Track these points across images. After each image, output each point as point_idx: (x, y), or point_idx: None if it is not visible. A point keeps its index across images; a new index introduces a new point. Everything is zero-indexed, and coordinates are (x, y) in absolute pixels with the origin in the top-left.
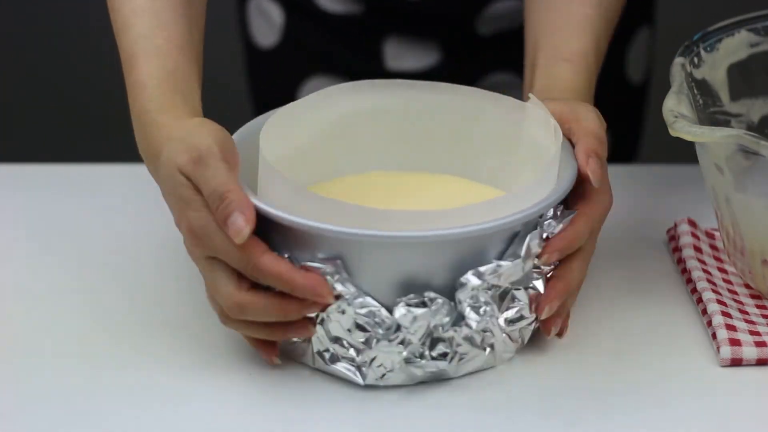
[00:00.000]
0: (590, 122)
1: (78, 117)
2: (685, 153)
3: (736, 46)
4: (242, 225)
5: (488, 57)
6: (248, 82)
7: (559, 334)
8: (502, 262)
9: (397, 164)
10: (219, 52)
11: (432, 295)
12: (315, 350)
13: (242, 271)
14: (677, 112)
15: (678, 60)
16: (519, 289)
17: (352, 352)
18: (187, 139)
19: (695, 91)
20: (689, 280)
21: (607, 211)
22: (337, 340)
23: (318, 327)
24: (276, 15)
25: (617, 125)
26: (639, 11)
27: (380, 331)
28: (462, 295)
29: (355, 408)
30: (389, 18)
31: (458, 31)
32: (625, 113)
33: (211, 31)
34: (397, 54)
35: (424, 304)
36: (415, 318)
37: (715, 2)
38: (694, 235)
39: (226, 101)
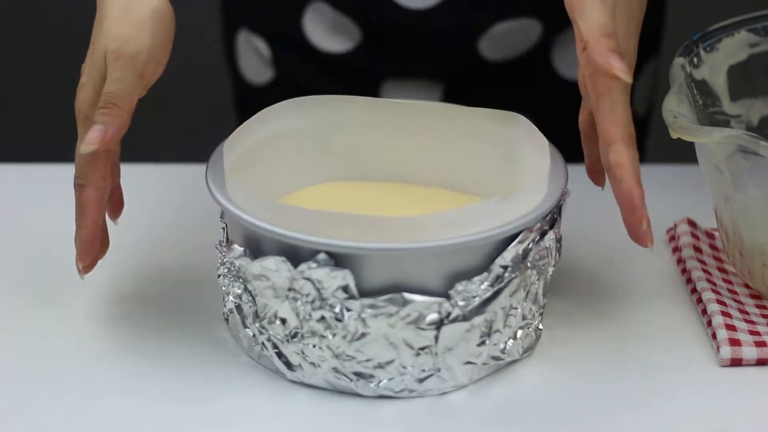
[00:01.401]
0: (594, 15)
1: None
2: (685, 153)
3: (736, 46)
4: (94, 140)
5: (494, 92)
6: (237, 118)
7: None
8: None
9: (384, 176)
10: (208, 84)
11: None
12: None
13: (75, 171)
14: (677, 113)
15: (678, 60)
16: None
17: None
18: (127, 30)
19: (695, 91)
20: (689, 280)
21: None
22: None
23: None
24: (265, 52)
25: None
26: (646, 45)
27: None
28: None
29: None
30: (387, 56)
31: (461, 59)
32: None
33: (200, 63)
34: (396, 95)
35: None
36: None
37: (715, 6)
38: (693, 235)
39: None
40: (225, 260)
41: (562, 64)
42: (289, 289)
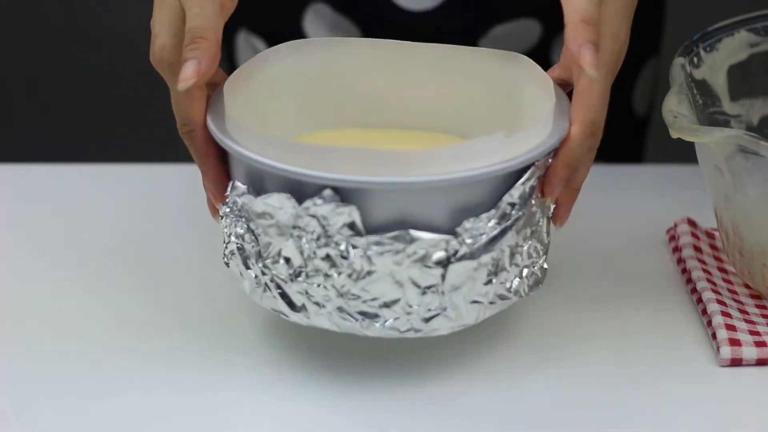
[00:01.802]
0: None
1: (77, 117)
2: (685, 153)
3: (736, 46)
4: (189, 75)
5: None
6: None
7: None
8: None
9: (384, 122)
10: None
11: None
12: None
13: (176, 117)
14: (677, 113)
15: (678, 60)
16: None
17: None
18: None
19: (695, 91)
20: (689, 280)
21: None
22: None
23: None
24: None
25: (618, 154)
26: (646, 45)
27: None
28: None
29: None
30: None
31: None
32: (628, 143)
33: None
34: None
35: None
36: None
37: (715, 6)
38: (694, 235)
39: None
40: (228, 200)
41: None
42: (294, 227)
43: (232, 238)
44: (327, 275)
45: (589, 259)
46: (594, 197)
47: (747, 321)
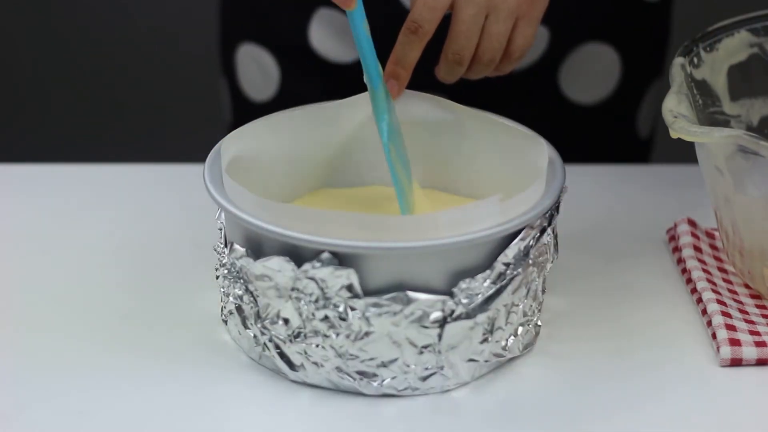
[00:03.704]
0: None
1: (77, 117)
2: (685, 153)
3: (736, 46)
4: None
5: (499, 103)
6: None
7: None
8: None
9: (377, 180)
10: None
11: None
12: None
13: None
14: (677, 113)
15: (678, 60)
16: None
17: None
18: None
19: (695, 91)
20: (689, 280)
21: None
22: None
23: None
24: (270, 65)
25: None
26: (650, 67)
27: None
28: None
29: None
30: None
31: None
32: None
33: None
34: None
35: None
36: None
37: (717, 10)
38: (694, 235)
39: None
40: (225, 261)
41: (569, 86)
42: (293, 289)
43: (230, 299)
44: (326, 336)
45: (589, 259)
46: (594, 197)
47: (747, 321)
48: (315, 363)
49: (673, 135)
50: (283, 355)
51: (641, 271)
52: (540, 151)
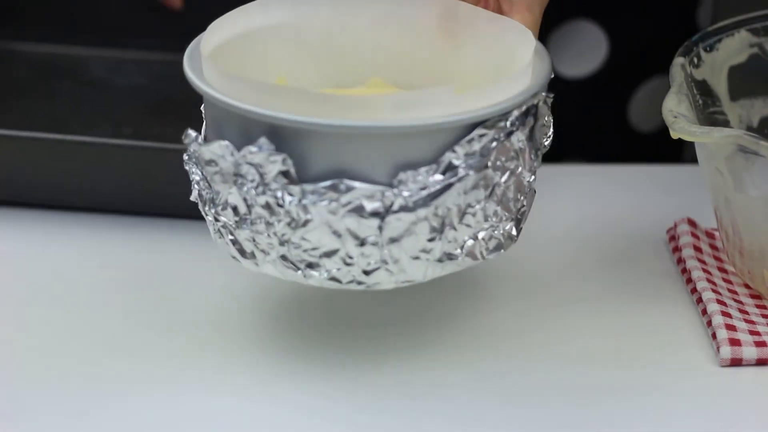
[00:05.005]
0: None
1: None
2: (685, 153)
3: (736, 46)
4: None
5: None
6: None
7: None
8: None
9: (355, 80)
10: None
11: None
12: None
13: None
14: (677, 113)
15: (678, 60)
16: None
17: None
18: None
19: (695, 91)
20: (689, 280)
21: None
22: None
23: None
24: None
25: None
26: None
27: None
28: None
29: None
30: None
31: None
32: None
33: None
34: None
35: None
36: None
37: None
38: (694, 235)
39: None
40: (188, 148)
41: (560, 63)
42: (236, 175)
43: (194, 185)
44: (269, 223)
45: (589, 259)
46: (594, 197)
47: (747, 321)
48: (263, 251)
49: (674, 135)
50: (235, 242)
51: (641, 271)
52: (527, 47)
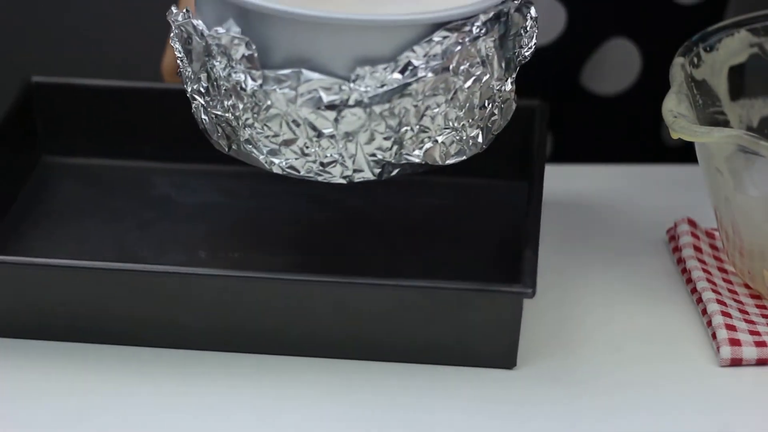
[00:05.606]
0: None
1: None
2: (685, 153)
3: (736, 46)
4: None
5: None
6: None
7: None
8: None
9: None
10: None
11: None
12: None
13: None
14: (677, 113)
15: (678, 60)
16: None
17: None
18: None
19: (695, 91)
20: (689, 280)
21: None
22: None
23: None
24: None
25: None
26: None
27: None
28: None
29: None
30: None
31: None
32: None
33: None
34: None
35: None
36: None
37: None
38: (694, 235)
39: None
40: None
41: (594, 80)
42: (206, 55)
43: (179, 62)
44: (234, 105)
45: (589, 259)
46: (594, 197)
47: (747, 321)
48: (228, 136)
49: (674, 135)
50: (208, 122)
51: (641, 271)
52: None
